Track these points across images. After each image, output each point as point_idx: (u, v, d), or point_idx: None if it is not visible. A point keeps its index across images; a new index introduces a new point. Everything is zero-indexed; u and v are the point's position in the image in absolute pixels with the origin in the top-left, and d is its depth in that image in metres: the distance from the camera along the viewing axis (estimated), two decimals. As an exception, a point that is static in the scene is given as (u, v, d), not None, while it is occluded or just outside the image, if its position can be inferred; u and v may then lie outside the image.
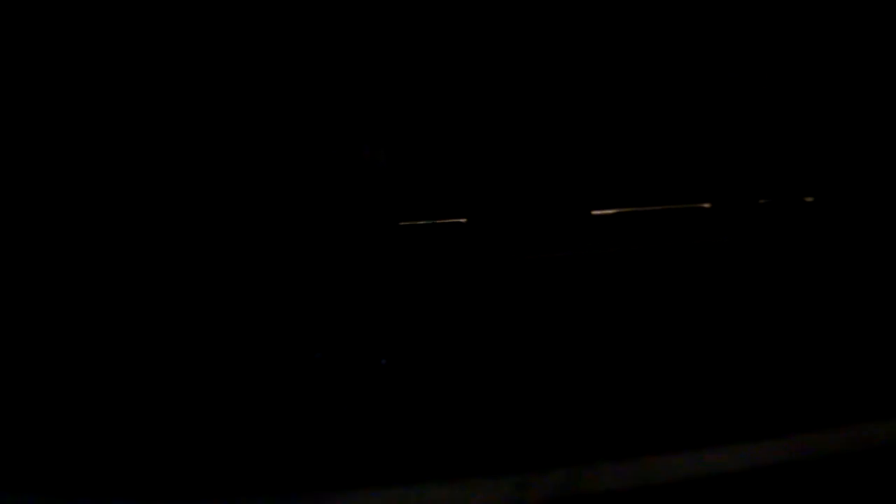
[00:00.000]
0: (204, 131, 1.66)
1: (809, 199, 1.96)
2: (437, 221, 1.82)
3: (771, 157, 1.93)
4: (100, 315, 1.59)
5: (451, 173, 1.82)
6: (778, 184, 1.95)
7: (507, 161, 1.84)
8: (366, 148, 1.76)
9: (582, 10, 1.79)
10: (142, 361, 1.52)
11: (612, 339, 1.70)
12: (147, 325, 1.57)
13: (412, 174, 1.80)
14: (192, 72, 1.64)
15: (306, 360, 1.55)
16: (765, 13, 1.85)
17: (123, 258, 1.61)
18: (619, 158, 1.88)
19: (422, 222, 1.81)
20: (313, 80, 1.70)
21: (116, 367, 1.52)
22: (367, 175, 1.76)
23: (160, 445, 1.34)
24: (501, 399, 1.52)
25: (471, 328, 1.69)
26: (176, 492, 1.22)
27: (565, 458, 1.34)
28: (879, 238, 1.93)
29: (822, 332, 1.75)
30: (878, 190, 1.95)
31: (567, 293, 1.79)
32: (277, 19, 1.67)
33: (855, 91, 1.91)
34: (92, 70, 1.58)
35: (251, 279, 1.65)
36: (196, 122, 1.65)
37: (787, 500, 1.41)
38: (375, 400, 1.47)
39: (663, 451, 1.36)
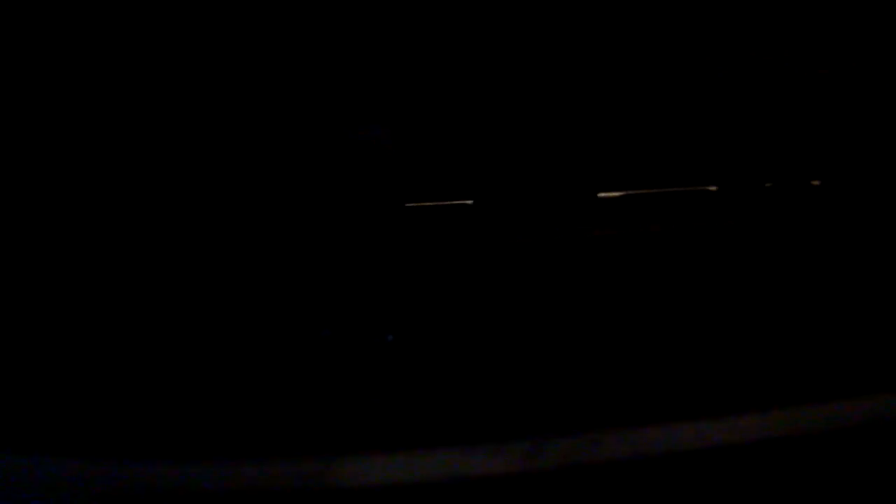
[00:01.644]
0: (214, 111, 1.67)
1: (816, 183, 1.96)
2: (444, 203, 1.83)
3: (777, 141, 1.93)
4: (107, 288, 1.59)
5: (457, 156, 1.82)
6: (784, 167, 1.95)
7: (513, 143, 1.84)
8: (373, 130, 1.77)
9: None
10: (152, 336, 1.52)
11: (617, 317, 1.70)
12: (159, 300, 1.58)
13: (419, 156, 1.80)
14: (200, 57, 1.65)
15: (315, 336, 1.56)
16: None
17: (135, 237, 1.62)
18: (625, 141, 1.88)
19: (428, 204, 1.82)
20: (318, 60, 1.71)
21: (126, 344, 1.52)
22: (374, 157, 1.76)
23: (176, 410, 1.35)
24: (507, 373, 1.52)
25: (476, 306, 1.69)
26: (188, 451, 1.23)
27: (573, 428, 1.34)
28: (887, 222, 1.93)
29: (826, 312, 1.75)
30: (885, 174, 1.95)
31: (572, 273, 1.80)
32: (282, 4, 1.68)
33: (862, 73, 1.91)
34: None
35: (263, 258, 1.66)
36: (207, 101, 1.66)
37: (797, 472, 1.41)
38: (382, 373, 1.48)
39: (669, 420, 1.36)
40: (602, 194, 1.89)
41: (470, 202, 1.84)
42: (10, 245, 1.54)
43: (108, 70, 1.60)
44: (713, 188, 1.94)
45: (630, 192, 1.91)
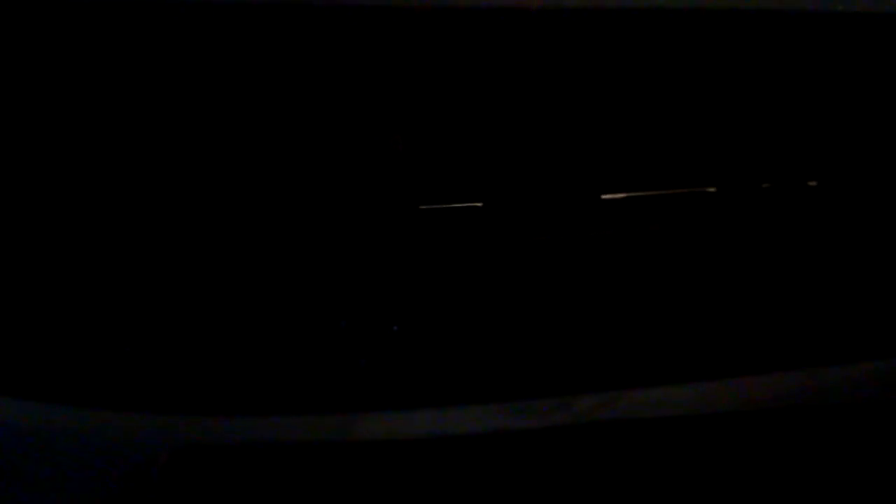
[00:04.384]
0: (237, 121, 1.74)
1: (812, 184, 2.03)
2: (455, 205, 1.90)
3: (774, 142, 2.00)
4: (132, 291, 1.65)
5: (467, 160, 1.90)
6: (781, 168, 2.02)
7: (520, 148, 1.92)
8: (388, 137, 1.85)
9: (589, 9, 1.88)
10: (177, 326, 1.58)
11: (618, 311, 1.77)
12: (186, 292, 1.64)
13: (431, 161, 1.88)
14: (228, 76, 1.73)
15: (334, 327, 1.64)
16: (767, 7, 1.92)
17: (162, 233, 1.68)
18: (628, 145, 1.96)
19: (440, 206, 1.89)
20: (333, 69, 1.79)
21: (149, 341, 1.58)
22: (390, 162, 1.84)
23: (230, 376, 1.44)
24: (505, 355, 1.58)
25: (483, 302, 1.76)
26: (216, 407, 1.30)
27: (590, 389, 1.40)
28: (883, 223, 2.00)
29: (820, 306, 1.80)
30: (881, 174, 2.01)
31: (577, 271, 1.86)
32: (302, 24, 1.77)
33: (858, 74, 1.98)
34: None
35: (287, 257, 1.74)
36: (228, 114, 1.74)
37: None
38: (391, 354, 1.56)
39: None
40: (606, 196, 1.96)
41: (480, 204, 1.92)
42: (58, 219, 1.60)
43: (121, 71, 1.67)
44: (712, 189, 2.01)
45: (633, 193, 1.98)
